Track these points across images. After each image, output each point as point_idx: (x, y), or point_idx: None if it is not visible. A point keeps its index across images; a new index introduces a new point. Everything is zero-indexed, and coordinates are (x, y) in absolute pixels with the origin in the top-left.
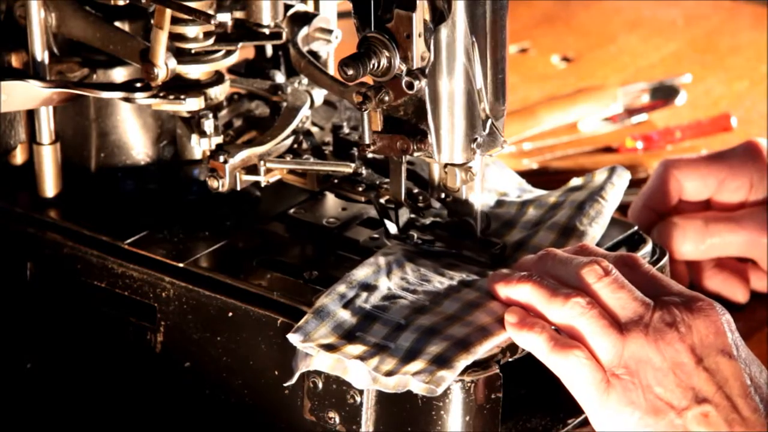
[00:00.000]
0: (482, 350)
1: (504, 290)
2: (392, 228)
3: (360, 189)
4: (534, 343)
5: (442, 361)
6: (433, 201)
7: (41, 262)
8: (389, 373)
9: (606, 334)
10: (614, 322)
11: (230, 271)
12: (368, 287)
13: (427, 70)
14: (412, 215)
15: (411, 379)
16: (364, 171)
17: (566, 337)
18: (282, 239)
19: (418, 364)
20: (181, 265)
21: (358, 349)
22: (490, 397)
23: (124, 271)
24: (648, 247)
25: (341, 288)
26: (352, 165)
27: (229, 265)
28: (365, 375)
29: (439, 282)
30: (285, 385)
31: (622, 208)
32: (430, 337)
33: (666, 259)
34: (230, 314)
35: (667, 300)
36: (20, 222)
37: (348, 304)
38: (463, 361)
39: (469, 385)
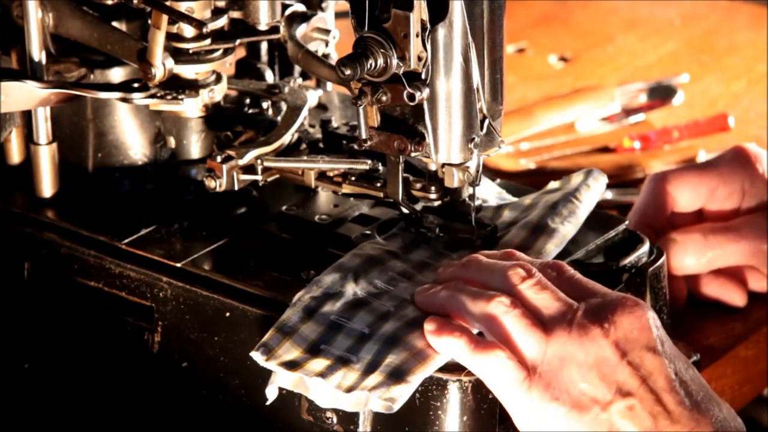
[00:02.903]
0: (441, 361)
1: (427, 301)
2: (414, 222)
3: (378, 185)
4: (454, 347)
5: (399, 375)
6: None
7: (38, 262)
8: (350, 389)
9: (529, 332)
10: (537, 321)
11: (228, 271)
12: (334, 294)
13: (427, 77)
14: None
15: (370, 396)
16: (380, 167)
17: (486, 339)
18: (279, 239)
19: (376, 378)
20: (178, 265)
21: (321, 364)
22: (487, 398)
23: (122, 271)
24: (645, 247)
25: (306, 297)
26: (369, 162)
27: (226, 265)
28: (327, 393)
29: (405, 287)
30: (266, 404)
31: (623, 208)
32: (391, 346)
33: (663, 260)
34: (228, 314)
35: (591, 300)
36: (17, 222)
37: (313, 313)
38: (420, 374)
39: (466, 385)
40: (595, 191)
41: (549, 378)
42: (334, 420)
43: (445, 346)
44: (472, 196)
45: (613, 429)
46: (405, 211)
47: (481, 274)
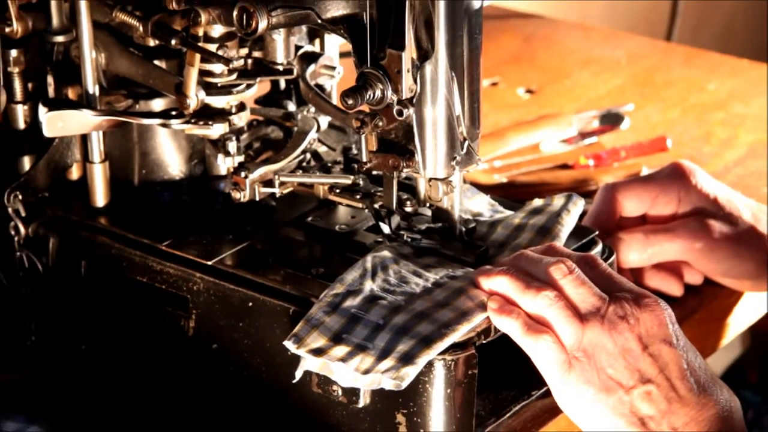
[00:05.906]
0: (442, 346)
1: (485, 281)
2: (385, 229)
3: (357, 197)
4: (510, 327)
5: (407, 359)
6: (422, 208)
7: (93, 262)
8: (366, 371)
9: (569, 322)
10: (576, 313)
11: (250, 268)
12: (355, 291)
13: (414, 101)
14: (403, 221)
15: (383, 378)
16: (361, 182)
17: (537, 323)
18: (294, 241)
19: (388, 362)
20: (209, 263)
21: (342, 350)
22: (467, 374)
23: (162, 268)
24: (599, 248)
25: (330, 294)
26: (351, 177)
27: (249, 263)
28: (347, 374)
29: (415, 283)
30: (293, 382)
31: (580, 215)
32: (401, 336)
33: (614, 257)
34: (250, 304)
35: (619, 296)
36: (76, 228)
37: (336, 308)
38: (425, 357)
39: (450, 363)
40: (574, 215)
41: (583, 362)
42: (339, 393)
43: (502, 324)
44: (469, 229)
45: (633, 409)
46: (383, 228)
47: (529, 266)
